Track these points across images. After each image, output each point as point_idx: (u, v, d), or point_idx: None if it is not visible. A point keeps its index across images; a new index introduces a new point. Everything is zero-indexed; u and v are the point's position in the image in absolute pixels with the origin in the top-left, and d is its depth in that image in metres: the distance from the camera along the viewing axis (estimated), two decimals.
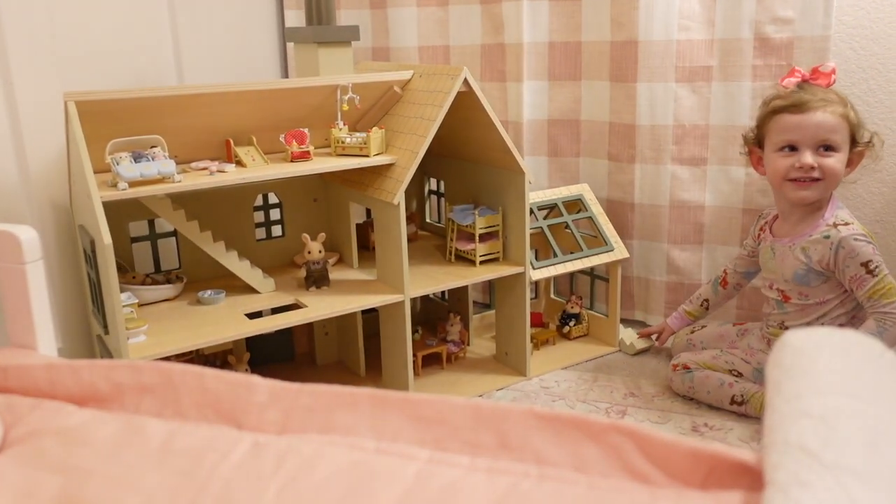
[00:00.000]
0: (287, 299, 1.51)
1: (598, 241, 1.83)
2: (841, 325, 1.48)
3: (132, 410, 0.81)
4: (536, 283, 1.99)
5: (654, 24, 1.74)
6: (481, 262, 1.67)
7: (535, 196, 1.80)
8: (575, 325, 1.90)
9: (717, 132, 1.79)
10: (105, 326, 1.30)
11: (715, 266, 1.85)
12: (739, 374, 1.56)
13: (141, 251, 1.58)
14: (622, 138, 1.87)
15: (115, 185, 1.27)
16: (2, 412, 0.82)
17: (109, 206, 1.23)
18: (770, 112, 1.48)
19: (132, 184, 1.27)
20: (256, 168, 1.43)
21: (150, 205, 1.44)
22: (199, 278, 1.60)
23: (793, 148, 1.45)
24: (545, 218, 1.84)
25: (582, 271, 1.89)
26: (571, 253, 1.78)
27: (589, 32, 1.86)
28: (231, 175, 1.38)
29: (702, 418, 1.54)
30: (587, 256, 1.78)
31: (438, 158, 1.79)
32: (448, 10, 1.95)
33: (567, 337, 1.91)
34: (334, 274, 1.62)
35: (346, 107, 1.49)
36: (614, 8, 1.79)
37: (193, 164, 1.44)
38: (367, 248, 1.79)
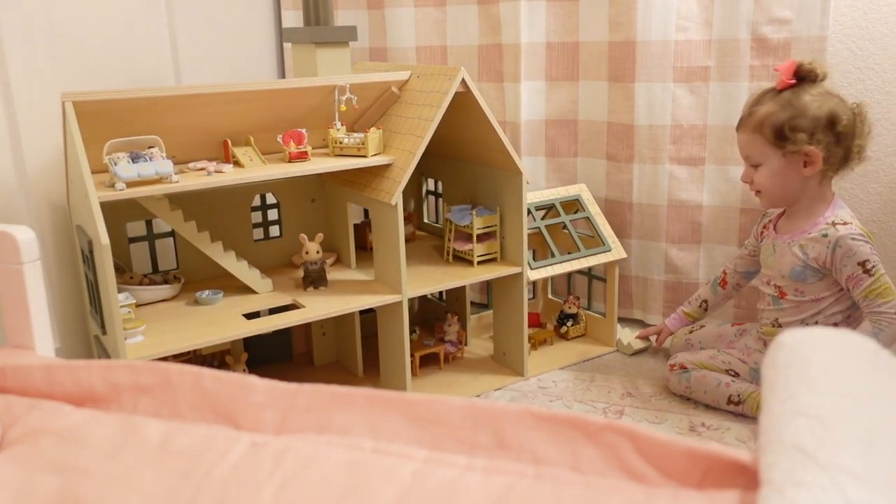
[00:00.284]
0: (285, 299, 1.51)
1: (595, 241, 1.83)
2: (836, 324, 1.48)
3: (130, 410, 0.81)
4: (534, 284, 1.99)
5: (651, 25, 1.74)
6: (479, 263, 1.67)
7: (532, 196, 1.80)
8: (572, 325, 1.90)
9: (714, 132, 1.79)
10: (103, 327, 1.30)
11: (713, 265, 1.86)
12: (736, 374, 1.56)
13: (138, 251, 1.58)
14: (620, 138, 1.87)
15: (112, 186, 1.27)
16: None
17: (107, 207, 1.23)
18: None
19: (130, 184, 1.27)
20: (254, 168, 1.43)
21: (148, 205, 1.43)
22: (196, 279, 1.60)
23: None
24: (543, 218, 1.84)
25: (579, 271, 1.89)
26: (569, 253, 1.78)
27: (587, 33, 1.86)
28: (229, 175, 1.38)
29: (699, 418, 1.54)
30: (585, 257, 1.78)
31: (436, 159, 1.79)
32: (445, 10, 1.95)
33: (564, 337, 1.91)
34: (332, 274, 1.62)
35: (343, 107, 1.49)
36: (612, 8, 1.79)
37: (191, 165, 1.44)
38: (364, 248, 1.79)
